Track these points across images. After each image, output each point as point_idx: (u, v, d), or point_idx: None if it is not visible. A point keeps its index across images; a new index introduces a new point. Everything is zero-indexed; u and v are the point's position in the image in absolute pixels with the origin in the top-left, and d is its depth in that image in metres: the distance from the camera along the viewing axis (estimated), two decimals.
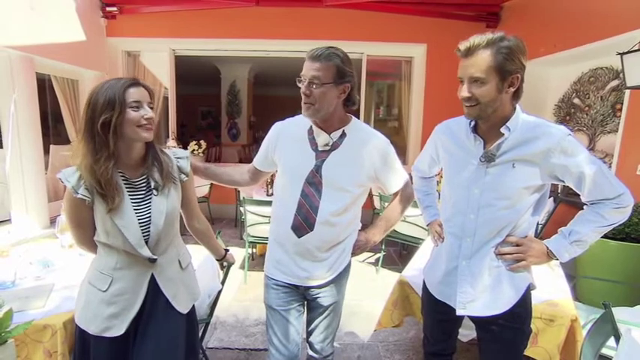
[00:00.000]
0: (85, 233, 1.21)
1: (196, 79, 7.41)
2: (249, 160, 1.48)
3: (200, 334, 1.56)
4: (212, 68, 7.40)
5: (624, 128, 3.15)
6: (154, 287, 1.23)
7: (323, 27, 4.69)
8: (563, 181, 1.09)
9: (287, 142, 1.35)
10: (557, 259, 1.13)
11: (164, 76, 5.03)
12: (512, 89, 1.08)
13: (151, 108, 1.16)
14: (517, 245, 1.15)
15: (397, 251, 4.07)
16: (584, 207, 1.13)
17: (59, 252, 2.01)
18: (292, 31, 4.59)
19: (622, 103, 3.33)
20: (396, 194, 1.42)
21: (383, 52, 5.09)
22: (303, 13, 4.64)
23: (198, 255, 1.70)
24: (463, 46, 1.08)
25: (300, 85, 1.23)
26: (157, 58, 5.02)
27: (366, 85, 5.18)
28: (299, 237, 1.28)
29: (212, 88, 7.93)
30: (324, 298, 1.37)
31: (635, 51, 2.64)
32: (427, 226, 1.49)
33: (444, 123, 1.34)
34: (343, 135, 1.29)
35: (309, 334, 1.46)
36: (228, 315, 2.63)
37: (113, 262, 1.20)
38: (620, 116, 3.40)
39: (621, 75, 3.36)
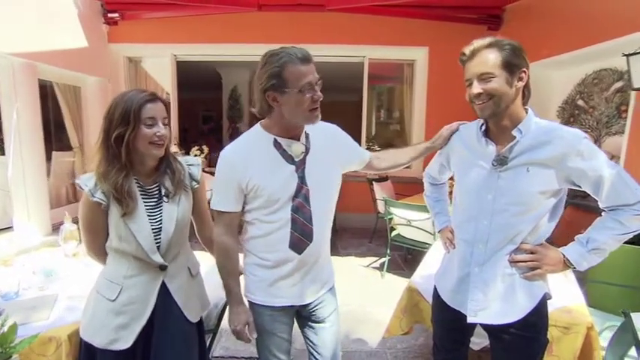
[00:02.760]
0: (97, 240, 1.23)
1: (197, 83, 7.41)
2: None
3: (208, 344, 1.54)
4: (213, 73, 7.41)
5: (631, 130, 3.13)
6: (164, 295, 1.23)
7: (325, 31, 4.70)
8: (580, 186, 1.07)
9: (259, 167, 1.16)
10: (575, 268, 1.10)
11: (166, 81, 5.03)
12: (521, 83, 1.08)
13: (166, 124, 1.17)
14: (532, 253, 1.13)
15: (402, 256, 4.04)
16: (602, 213, 1.10)
17: (62, 261, 1.98)
18: (294, 35, 4.57)
19: (627, 105, 3.30)
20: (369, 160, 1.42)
21: (385, 56, 5.10)
22: (305, 18, 4.64)
23: (205, 263, 1.68)
24: (467, 50, 1.10)
25: (316, 90, 1.13)
26: (159, 64, 5.04)
27: (367, 89, 5.18)
28: (300, 253, 1.20)
29: (213, 93, 7.94)
30: (324, 307, 1.32)
31: None
32: (438, 232, 1.47)
33: None
34: (307, 136, 1.24)
35: (320, 355, 1.34)
36: None
37: (124, 269, 1.20)
38: (625, 117, 3.38)
39: (626, 76, 3.36)
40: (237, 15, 4.57)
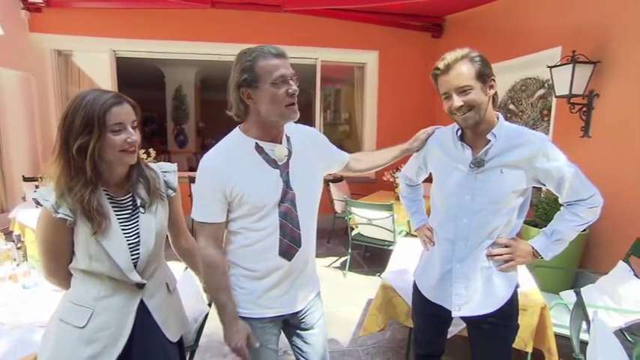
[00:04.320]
0: (61, 262, 1.07)
1: (137, 82, 6.86)
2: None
3: None
4: (155, 71, 6.92)
5: (553, 132, 3.59)
6: (143, 316, 1.11)
7: (279, 32, 4.65)
8: (544, 185, 1.20)
9: (242, 173, 1.12)
10: (542, 258, 1.23)
11: (102, 79, 4.56)
12: (492, 91, 1.19)
13: (135, 127, 1.05)
14: (506, 246, 1.24)
15: (361, 254, 4.15)
16: (562, 208, 1.25)
17: None
18: (246, 34, 4.47)
19: (548, 109, 3.80)
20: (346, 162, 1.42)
21: (337, 58, 5.20)
22: (259, 18, 4.55)
23: (177, 274, 1.56)
24: (441, 64, 1.17)
25: (291, 84, 1.08)
26: (95, 59, 4.55)
27: (320, 90, 5.25)
28: (290, 260, 1.17)
29: (155, 93, 7.40)
30: (313, 314, 1.31)
31: (562, 65, 3.02)
32: (415, 231, 1.54)
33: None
34: (288, 139, 1.21)
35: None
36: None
37: (94, 291, 1.07)
38: (546, 120, 3.87)
39: (546, 85, 3.85)
40: (187, 11, 4.33)
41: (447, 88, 1.16)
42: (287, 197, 1.16)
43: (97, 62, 4.55)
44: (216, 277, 1.15)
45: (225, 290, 1.15)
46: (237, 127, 1.20)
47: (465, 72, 1.13)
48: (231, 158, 1.13)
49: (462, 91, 1.13)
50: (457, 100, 1.14)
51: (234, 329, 1.13)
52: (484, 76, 1.15)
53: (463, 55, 1.14)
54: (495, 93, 1.21)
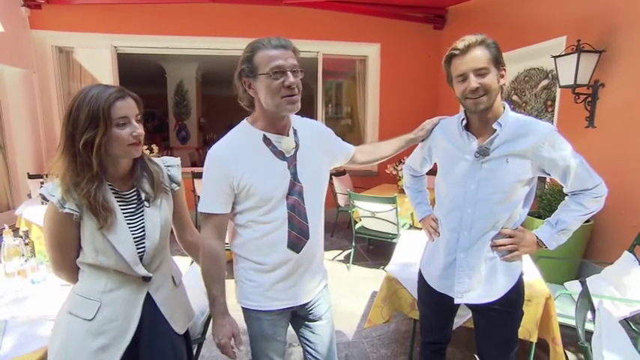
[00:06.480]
0: (67, 256, 1.08)
1: (138, 79, 6.86)
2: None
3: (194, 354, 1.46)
4: (156, 67, 6.91)
5: (557, 122, 3.56)
6: (150, 308, 1.13)
7: (279, 26, 4.62)
8: (549, 174, 1.20)
9: (250, 164, 1.12)
10: (547, 248, 1.23)
11: (104, 75, 4.56)
12: (503, 81, 1.17)
13: (139, 121, 1.06)
14: (510, 237, 1.24)
15: (364, 247, 4.16)
16: (566, 197, 1.25)
17: (4, 281, 1.72)
18: (247, 29, 4.43)
19: (552, 100, 3.76)
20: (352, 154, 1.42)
21: (338, 51, 5.17)
22: (260, 12, 4.53)
23: (183, 269, 1.57)
24: (461, 44, 1.16)
25: (288, 76, 1.06)
26: (96, 56, 4.54)
27: (322, 84, 5.22)
28: (298, 252, 1.18)
29: (156, 89, 7.39)
30: (321, 305, 1.32)
31: (567, 54, 2.99)
32: (420, 222, 1.54)
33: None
34: (295, 132, 1.21)
35: (317, 352, 1.33)
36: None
37: (101, 284, 1.08)
38: (550, 111, 3.84)
39: (550, 75, 3.81)
40: (188, 6, 4.31)
41: (464, 69, 1.15)
42: (295, 190, 1.16)
43: (98, 58, 4.55)
44: (213, 268, 1.16)
45: (219, 283, 1.16)
46: (244, 119, 1.20)
47: (482, 55, 1.13)
48: (239, 149, 1.14)
49: (480, 73, 1.13)
50: (474, 82, 1.13)
51: (220, 324, 1.15)
52: (498, 63, 1.15)
53: (482, 40, 1.14)
54: (504, 83, 1.20)
